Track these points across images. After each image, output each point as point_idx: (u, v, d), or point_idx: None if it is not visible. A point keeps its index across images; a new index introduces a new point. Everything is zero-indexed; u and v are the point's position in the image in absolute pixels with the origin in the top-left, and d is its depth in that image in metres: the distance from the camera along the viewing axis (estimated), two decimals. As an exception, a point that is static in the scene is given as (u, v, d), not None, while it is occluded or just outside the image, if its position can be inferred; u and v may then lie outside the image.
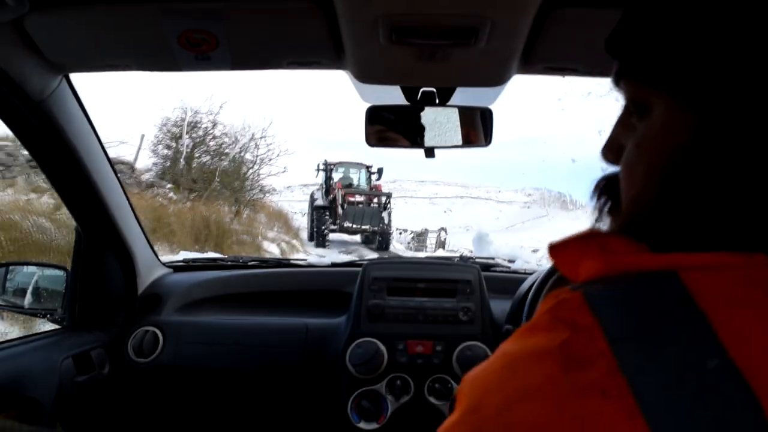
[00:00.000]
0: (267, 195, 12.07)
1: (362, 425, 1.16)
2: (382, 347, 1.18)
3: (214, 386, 1.31)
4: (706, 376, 0.24)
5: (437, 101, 1.02)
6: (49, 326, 1.30)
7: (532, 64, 0.86)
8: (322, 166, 13.21)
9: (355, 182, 12.79)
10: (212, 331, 1.31)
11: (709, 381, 0.24)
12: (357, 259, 1.64)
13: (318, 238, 11.14)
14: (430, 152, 1.09)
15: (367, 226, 11.20)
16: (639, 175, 0.36)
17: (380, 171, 12.85)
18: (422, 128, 1.06)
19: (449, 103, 1.02)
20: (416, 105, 1.03)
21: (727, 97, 0.31)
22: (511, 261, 1.62)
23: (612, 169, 0.42)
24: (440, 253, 12.20)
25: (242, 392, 1.31)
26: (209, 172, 10.72)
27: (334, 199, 11.50)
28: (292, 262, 1.67)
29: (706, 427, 0.23)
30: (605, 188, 0.42)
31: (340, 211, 11.14)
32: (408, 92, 1.00)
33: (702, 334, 0.25)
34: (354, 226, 11.16)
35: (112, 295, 1.29)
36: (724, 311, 0.26)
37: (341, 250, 10.91)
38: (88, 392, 1.13)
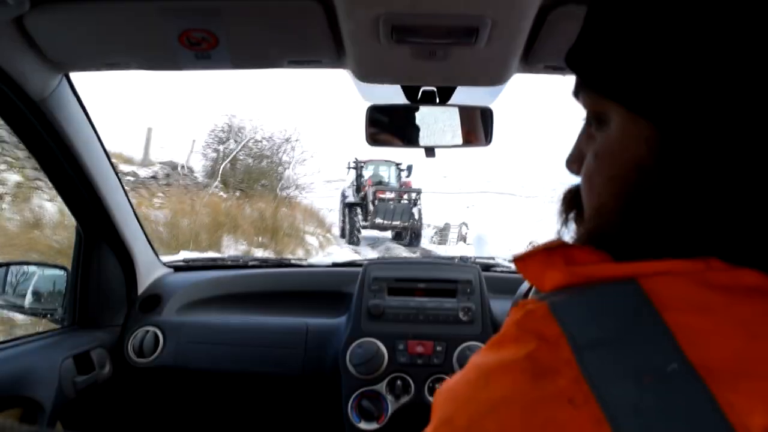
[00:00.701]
0: (304, 191, 12.69)
1: (362, 425, 1.16)
2: (383, 347, 1.18)
3: (214, 386, 1.31)
4: (667, 381, 0.25)
5: (437, 100, 1.02)
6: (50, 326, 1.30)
7: (533, 64, 0.86)
8: (352, 164, 13.25)
9: (386, 179, 12.85)
10: (213, 332, 1.31)
11: (671, 385, 0.25)
12: (357, 259, 1.63)
13: (350, 234, 11.31)
14: (430, 152, 1.09)
15: (398, 222, 11.34)
16: (599, 185, 0.37)
17: (410, 168, 12.95)
18: (422, 127, 1.06)
19: (449, 102, 1.02)
20: (417, 104, 1.03)
21: (682, 108, 0.31)
22: (512, 261, 1.62)
23: (576, 180, 0.43)
24: (461, 246, 12.34)
25: (242, 392, 1.31)
26: (252, 172, 11.30)
27: (365, 196, 11.61)
28: (292, 262, 1.67)
29: (670, 430, 0.24)
30: (571, 200, 0.43)
31: (371, 207, 11.26)
32: (408, 91, 1.00)
33: (661, 339, 0.26)
34: (385, 222, 11.29)
35: (113, 294, 1.28)
36: (683, 315, 0.27)
37: (370, 243, 11.26)
38: (88, 392, 1.12)
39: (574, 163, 0.42)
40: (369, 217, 11.29)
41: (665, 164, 0.32)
